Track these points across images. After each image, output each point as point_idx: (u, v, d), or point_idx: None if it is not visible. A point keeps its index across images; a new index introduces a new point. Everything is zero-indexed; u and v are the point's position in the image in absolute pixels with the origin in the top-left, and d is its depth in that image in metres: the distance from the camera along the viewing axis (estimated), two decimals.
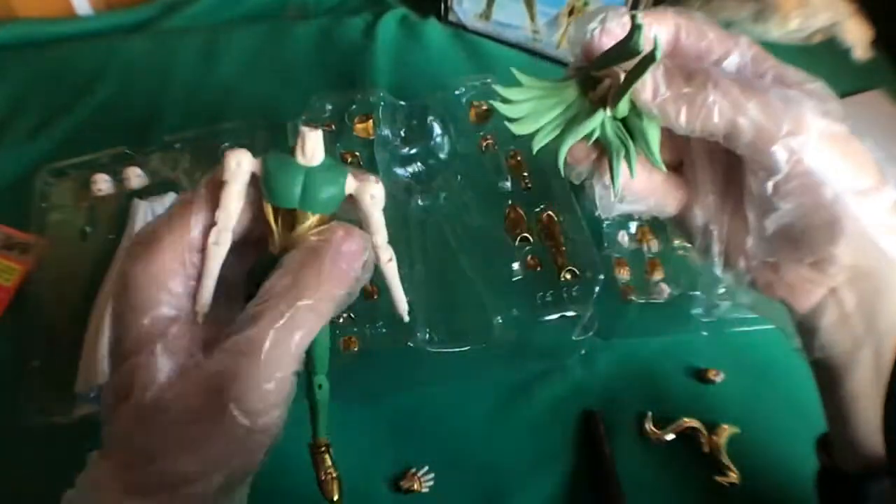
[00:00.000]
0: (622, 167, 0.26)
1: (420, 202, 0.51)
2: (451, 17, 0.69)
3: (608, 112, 0.25)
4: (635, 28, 0.23)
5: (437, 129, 0.56)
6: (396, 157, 0.54)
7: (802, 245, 0.26)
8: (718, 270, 0.29)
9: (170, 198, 0.51)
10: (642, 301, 0.49)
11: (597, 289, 0.46)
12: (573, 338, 0.47)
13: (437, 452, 0.44)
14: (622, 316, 0.49)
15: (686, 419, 0.45)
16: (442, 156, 0.55)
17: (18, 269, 0.49)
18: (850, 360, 0.28)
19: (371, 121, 0.55)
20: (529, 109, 0.25)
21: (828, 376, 0.29)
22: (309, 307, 0.23)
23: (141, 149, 0.54)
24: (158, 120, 0.60)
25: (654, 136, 0.26)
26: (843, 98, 0.66)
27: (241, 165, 0.24)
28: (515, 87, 0.25)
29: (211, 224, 0.24)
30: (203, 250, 0.24)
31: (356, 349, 0.41)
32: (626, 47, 0.23)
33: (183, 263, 0.24)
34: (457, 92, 0.57)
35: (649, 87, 0.25)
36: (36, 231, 0.50)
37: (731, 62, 0.28)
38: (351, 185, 0.24)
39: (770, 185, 0.25)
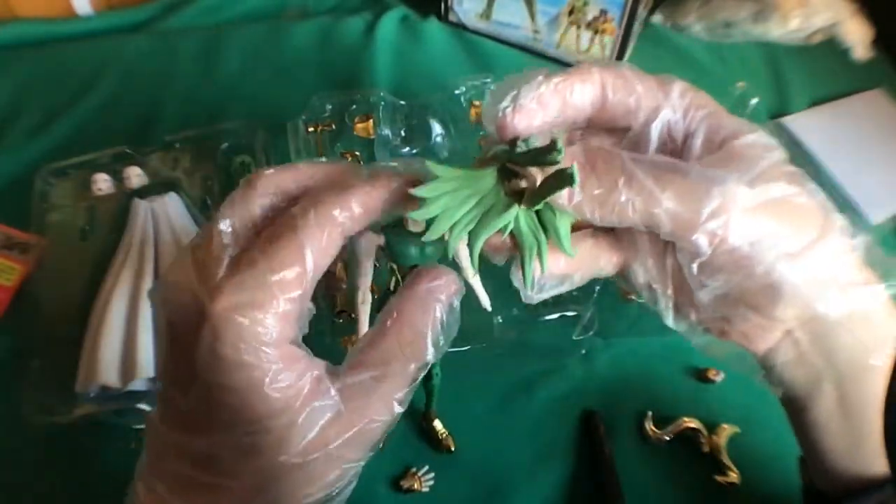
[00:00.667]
0: (535, 262, 0.25)
1: None
2: (451, 17, 0.69)
3: (522, 207, 0.25)
4: (554, 145, 0.22)
5: (438, 129, 0.56)
6: (397, 156, 0.54)
7: (743, 308, 0.26)
8: (669, 322, 0.28)
9: (170, 197, 0.51)
10: (642, 300, 0.49)
11: (597, 288, 0.46)
12: (573, 337, 0.47)
13: (437, 452, 0.44)
14: (622, 315, 0.49)
15: (686, 419, 0.45)
16: (442, 155, 0.55)
17: (18, 269, 0.49)
18: (812, 393, 0.28)
19: (371, 120, 0.55)
20: (444, 205, 0.24)
21: (792, 408, 0.29)
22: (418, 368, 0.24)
23: (141, 148, 0.54)
24: (158, 119, 0.60)
25: (565, 229, 0.25)
26: (844, 98, 0.66)
27: (372, 244, 0.26)
28: (431, 182, 0.24)
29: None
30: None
31: None
32: (544, 157, 0.23)
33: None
34: (457, 92, 0.57)
35: (564, 194, 0.24)
36: (36, 231, 0.50)
37: (663, 117, 0.26)
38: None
39: (695, 266, 0.25)
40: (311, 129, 0.55)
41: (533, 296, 0.27)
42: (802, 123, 0.63)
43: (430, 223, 0.25)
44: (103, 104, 0.61)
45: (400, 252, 0.26)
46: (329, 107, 0.57)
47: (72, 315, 0.46)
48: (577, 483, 0.44)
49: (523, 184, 0.25)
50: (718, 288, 0.25)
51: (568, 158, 0.24)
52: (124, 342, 0.43)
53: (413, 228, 0.25)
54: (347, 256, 0.26)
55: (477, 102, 0.57)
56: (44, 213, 0.51)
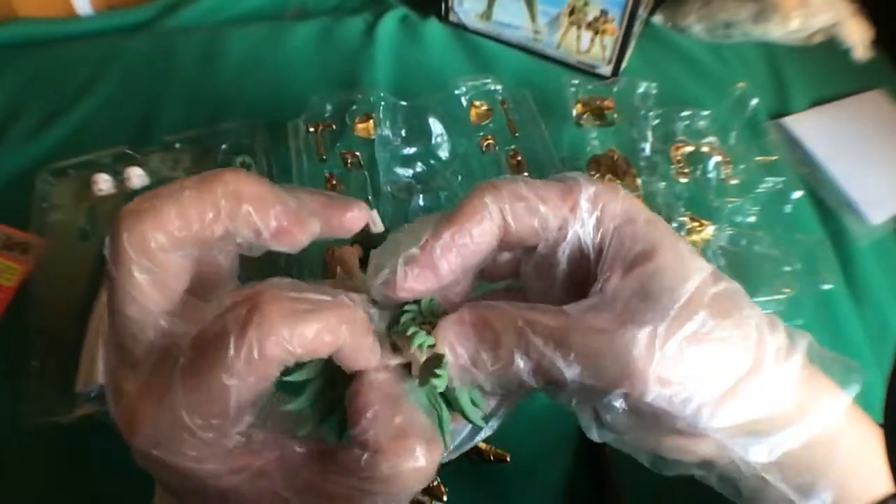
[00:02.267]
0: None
1: (420, 202, 0.51)
2: (451, 18, 0.69)
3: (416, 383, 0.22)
4: (438, 362, 0.21)
5: (438, 129, 0.56)
6: (397, 156, 0.54)
7: (667, 434, 0.24)
8: (594, 437, 0.25)
9: None
10: None
11: None
12: None
13: (429, 497, 0.44)
14: None
15: None
16: (442, 156, 0.55)
17: (19, 269, 0.49)
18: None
19: (371, 121, 0.55)
20: (317, 394, 0.22)
21: None
22: None
23: (141, 148, 0.54)
24: (159, 120, 0.60)
25: (467, 401, 0.23)
26: (844, 98, 0.66)
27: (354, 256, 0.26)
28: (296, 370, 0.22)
29: None
30: None
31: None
32: (427, 368, 0.22)
33: None
34: (457, 92, 0.58)
35: (455, 374, 0.22)
36: (36, 231, 0.50)
37: (571, 238, 0.24)
38: None
39: (608, 418, 0.23)
40: (311, 129, 0.55)
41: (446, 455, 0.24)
42: (803, 124, 0.63)
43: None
44: (104, 104, 0.61)
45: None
46: (329, 107, 0.57)
47: (72, 315, 0.46)
48: (577, 482, 0.44)
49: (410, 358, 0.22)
50: (636, 429, 0.23)
51: (459, 328, 0.22)
52: None
53: (374, 230, 0.25)
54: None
55: (477, 103, 0.57)
56: (44, 214, 0.51)
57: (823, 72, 0.69)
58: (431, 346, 0.22)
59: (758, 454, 0.23)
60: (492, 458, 0.43)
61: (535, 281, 0.26)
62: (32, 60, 0.64)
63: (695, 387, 0.22)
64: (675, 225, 0.52)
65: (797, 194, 0.55)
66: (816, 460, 0.24)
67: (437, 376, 0.21)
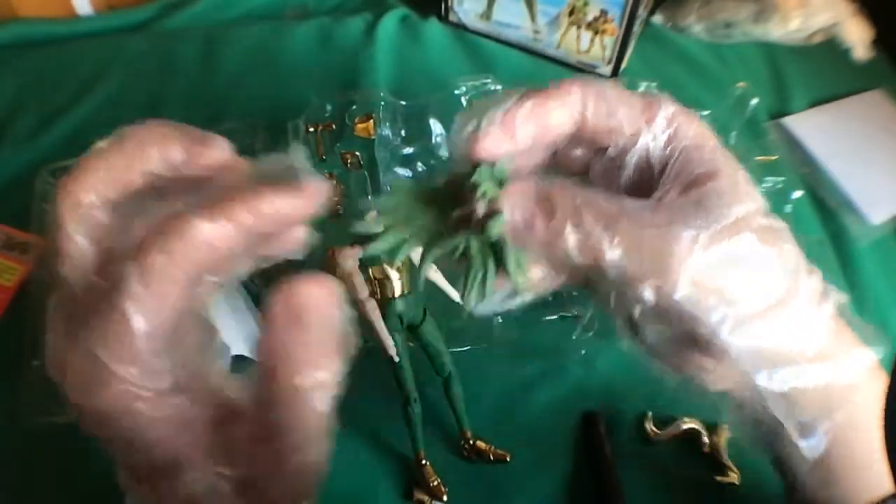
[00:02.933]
0: (477, 284, 0.25)
1: None
2: (451, 17, 0.69)
3: (474, 234, 0.24)
4: (493, 217, 0.23)
5: (438, 129, 0.56)
6: (397, 156, 0.54)
7: (693, 352, 0.25)
8: (625, 347, 0.27)
9: None
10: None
11: None
12: (573, 338, 0.47)
13: (436, 452, 0.44)
14: None
15: (686, 419, 0.45)
16: (442, 155, 0.55)
17: (19, 269, 0.49)
18: (778, 438, 0.27)
19: (371, 121, 0.55)
20: (396, 221, 0.25)
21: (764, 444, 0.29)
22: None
23: None
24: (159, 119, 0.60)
25: (516, 261, 0.24)
26: (844, 98, 0.66)
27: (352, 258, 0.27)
28: (389, 197, 0.25)
29: None
30: None
31: (355, 350, 0.41)
32: (485, 221, 0.23)
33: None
34: (457, 92, 0.57)
35: (510, 235, 0.23)
36: (36, 231, 0.50)
37: (641, 145, 0.25)
38: None
39: (636, 310, 0.24)
40: (311, 130, 0.55)
41: (472, 310, 0.26)
42: (803, 124, 0.63)
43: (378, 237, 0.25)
44: (104, 104, 0.61)
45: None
46: (329, 107, 0.57)
47: None
48: (577, 483, 0.44)
49: (473, 212, 0.24)
50: (663, 333, 0.25)
51: (521, 193, 0.24)
52: None
53: (374, 230, 0.26)
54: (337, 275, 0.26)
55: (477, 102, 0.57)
56: (44, 214, 0.51)
57: (823, 72, 0.69)
58: (494, 201, 0.23)
59: (769, 381, 0.24)
60: (492, 457, 0.43)
61: (600, 181, 0.27)
62: (32, 60, 0.64)
63: (724, 299, 0.22)
64: None
65: (797, 194, 0.55)
66: (828, 403, 0.25)
67: (493, 226, 0.23)
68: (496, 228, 0.23)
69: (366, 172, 0.53)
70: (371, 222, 0.25)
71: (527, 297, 0.26)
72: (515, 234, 0.23)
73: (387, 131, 0.55)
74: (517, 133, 0.24)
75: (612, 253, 0.22)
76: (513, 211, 0.23)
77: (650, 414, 0.46)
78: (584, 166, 0.28)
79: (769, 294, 0.23)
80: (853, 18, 0.69)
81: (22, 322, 0.47)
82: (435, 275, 0.27)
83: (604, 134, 0.25)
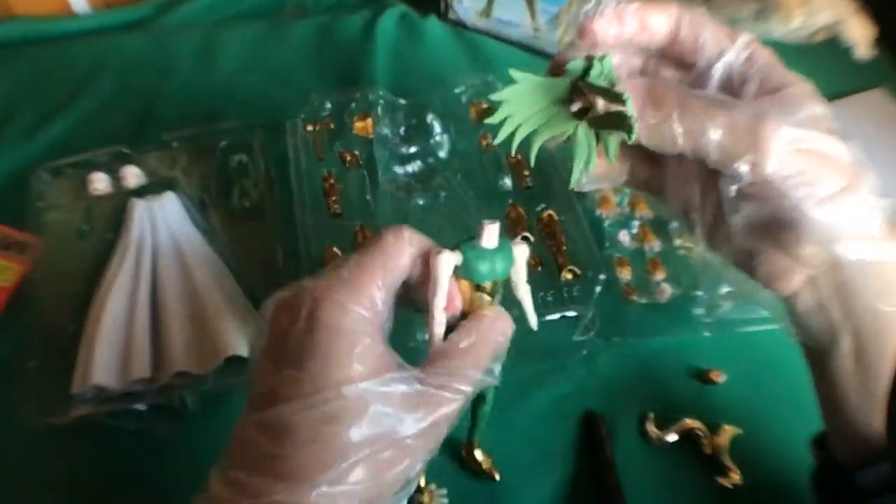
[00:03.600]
0: (582, 165, 0.29)
1: (420, 201, 0.51)
2: (451, 15, 0.68)
3: (583, 122, 0.28)
4: (621, 97, 0.26)
5: (437, 128, 0.55)
6: (396, 155, 0.54)
7: (770, 242, 0.28)
8: (702, 248, 0.31)
9: (168, 197, 0.51)
10: (644, 301, 0.49)
11: (598, 289, 0.45)
12: (574, 338, 0.47)
13: (479, 480, 0.44)
14: (623, 316, 0.49)
15: (688, 420, 0.45)
16: (442, 154, 0.55)
17: (15, 269, 0.49)
18: (830, 346, 0.29)
19: (370, 119, 0.55)
20: (513, 109, 0.28)
21: (813, 359, 0.31)
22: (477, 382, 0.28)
23: (139, 147, 0.54)
24: (156, 118, 0.60)
25: (615, 145, 0.28)
26: (845, 97, 0.66)
27: (451, 263, 0.28)
28: (507, 87, 0.28)
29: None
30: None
31: None
32: (609, 95, 0.27)
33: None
34: (457, 90, 0.57)
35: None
36: (33, 230, 0.50)
37: (726, 60, 0.29)
38: (516, 252, 0.30)
39: (733, 189, 0.27)
40: (309, 128, 0.55)
41: (575, 188, 0.31)
42: None
43: (498, 129, 0.28)
44: (101, 103, 0.61)
45: (474, 269, 0.29)
46: (328, 105, 0.56)
47: (69, 315, 0.46)
48: (577, 484, 0.44)
49: (590, 104, 0.28)
50: (749, 216, 0.28)
51: (632, 87, 0.27)
52: (121, 343, 0.43)
53: (486, 245, 0.29)
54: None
55: (477, 101, 0.57)
56: (41, 213, 0.51)
57: (825, 70, 0.68)
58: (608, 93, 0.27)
59: (846, 251, 0.27)
60: (484, 469, 0.43)
61: None
62: (29, 58, 0.64)
63: (806, 178, 0.26)
64: (675, 224, 0.52)
65: None
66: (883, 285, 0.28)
67: (620, 130, 0.27)
68: (628, 120, 0.26)
69: (364, 171, 0.53)
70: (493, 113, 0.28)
71: (609, 183, 0.32)
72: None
73: (386, 130, 0.55)
74: (625, 21, 0.28)
75: (714, 133, 0.26)
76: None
77: (651, 414, 0.46)
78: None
79: (839, 180, 0.27)
80: (855, 17, 0.69)
81: (19, 322, 0.46)
82: (525, 295, 0.31)
83: (691, 50, 0.29)
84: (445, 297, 0.28)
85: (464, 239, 0.29)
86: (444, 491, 0.42)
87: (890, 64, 0.70)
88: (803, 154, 0.26)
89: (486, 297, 0.30)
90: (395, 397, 0.25)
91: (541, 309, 0.45)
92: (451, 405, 0.26)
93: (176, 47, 0.65)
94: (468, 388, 0.27)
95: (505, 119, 0.28)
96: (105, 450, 0.44)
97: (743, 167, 0.26)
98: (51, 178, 0.53)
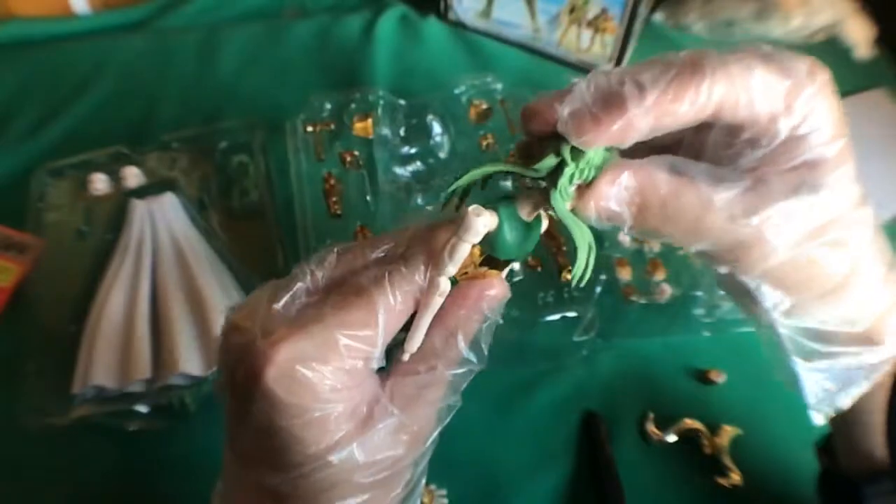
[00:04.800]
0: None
1: (419, 201, 0.51)
2: (450, 16, 0.68)
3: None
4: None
5: (437, 128, 0.55)
6: (396, 156, 0.54)
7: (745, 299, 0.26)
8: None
9: (168, 197, 0.51)
10: (644, 301, 0.49)
11: (598, 289, 0.45)
12: (574, 338, 0.47)
13: (437, 453, 0.44)
14: (623, 316, 0.49)
15: (688, 420, 0.45)
16: (442, 155, 0.55)
17: (15, 270, 0.49)
18: None
19: (370, 120, 0.55)
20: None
21: None
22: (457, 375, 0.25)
23: (138, 148, 0.54)
24: (156, 119, 0.60)
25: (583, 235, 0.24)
26: (845, 97, 0.66)
27: (486, 228, 0.23)
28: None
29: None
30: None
31: None
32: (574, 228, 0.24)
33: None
34: (457, 91, 0.57)
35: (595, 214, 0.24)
36: (33, 231, 0.50)
37: (773, 131, 0.24)
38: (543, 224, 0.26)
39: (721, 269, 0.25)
40: (309, 129, 0.55)
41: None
42: None
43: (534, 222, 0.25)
44: (100, 104, 0.61)
45: (503, 241, 0.24)
46: (328, 106, 0.56)
47: (69, 316, 0.46)
48: (577, 484, 0.44)
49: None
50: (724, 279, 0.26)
51: (613, 191, 0.23)
52: (121, 343, 0.43)
53: (524, 217, 0.24)
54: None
55: (477, 101, 0.57)
56: (41, 213, 0.51)
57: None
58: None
59: (800, 365, 0.27)
60: None
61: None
62: (29, 60, 0.64)
63: (785, 288, 0.25)
64: None
65: None
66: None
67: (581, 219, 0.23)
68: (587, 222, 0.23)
69: (364, 172, 0.52)
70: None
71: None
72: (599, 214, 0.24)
73: (386, 130, 0.55)
74: (634, 126, 0.21)
75: (696, 247, 0.24)
76: (604, 204, 0.23)
77: (651, 414, 0.45)
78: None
79: (826, 285, 0.25)
80: (854, 17, 0.69)
81: (19, 323, 0.46)
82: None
83: (737, 126, 0.23)
84: (455, 271, 0.24)
85: (496, 199, 0.24)
86: (444, 491, 0.42)
87: (890, 64, 0.70)
88: (793, 271, 0.24)
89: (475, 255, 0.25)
90: (382, 437, 0.23)
91: (541, 309, 0.46)
92: (426, 425, 0.25)
93: (176, 47, 0.65)
94: (441, 402, 0.25)
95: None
96: (105, 450, 0.44)
97: (721, 269, 0.25)
98: (51, 178, 0.53)
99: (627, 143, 0.22)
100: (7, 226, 0.51)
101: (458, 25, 0.69)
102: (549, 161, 0.23)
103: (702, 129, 0.24)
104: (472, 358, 0.25)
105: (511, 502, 0.43)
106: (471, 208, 0.23)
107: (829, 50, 0.70)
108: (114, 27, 0.68)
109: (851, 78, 0.68)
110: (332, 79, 0.63)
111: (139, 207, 0.50)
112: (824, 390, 0.28)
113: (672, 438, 0.45)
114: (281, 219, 0.51)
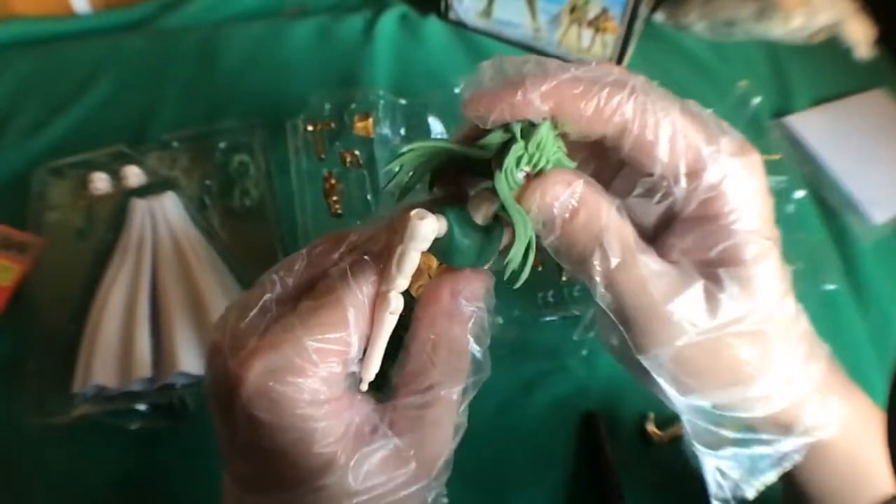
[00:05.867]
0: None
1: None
2: (451, 15, 0.68)
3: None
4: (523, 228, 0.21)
5: (437, 128, 0.55)
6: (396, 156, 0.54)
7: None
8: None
9: (168, 197, 0.51)
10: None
11: None
12: (574, 338, 0.47)
13: None
14: None
15: None
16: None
17: (16, 269, 0.49)
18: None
19: (371, 119, 0.55)
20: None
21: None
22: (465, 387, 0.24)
23: (139, 147, 0.54)
24: (156, 119, 0.60)
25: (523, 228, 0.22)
26: (846, 97, 0.66)
27: (434, 233, 0.21)
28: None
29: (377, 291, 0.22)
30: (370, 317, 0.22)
31: None
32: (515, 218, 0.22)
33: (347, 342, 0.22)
34: (457, 90, 0.57)
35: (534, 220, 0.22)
36: (33, 230, 0.50)
37: (681, 191, 0.23)
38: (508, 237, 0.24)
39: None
40: (310, 128, 0.55)
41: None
42: (804, 123, 0.63)
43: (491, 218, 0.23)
44: (101, 103, 0.61)
45: (455, 246, 0.22)
46: (328, 105, 0.56)
47: (69, 315, 0.46)
48: (577, 485, 0.44)
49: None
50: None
51: (556, 188, 0.22)
52: (122, 342, 0.43)
53: (479, 221, 0.22)
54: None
55: None
56: (41, 213, 0.51)
57: (825, 70, 0.68)
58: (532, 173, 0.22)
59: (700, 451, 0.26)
60: None
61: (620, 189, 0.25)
62: (30, 59, 0.64)
63: (686, 377, 0.23)
64: None
65: (799, 194, 0.54)
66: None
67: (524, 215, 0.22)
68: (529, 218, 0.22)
69: (365, 171, 0.53)
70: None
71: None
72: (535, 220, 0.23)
73: (386, 130, 0.55)
74: (530, 103, 0.21)
75: (602, 297, 0.22)
76: (549, 201, 0.22)
77: (651, 415, 0.45)
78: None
79: (736, 374, 0.23)
80: (855, 17, 0.69)
81: (19, 322, 0.46)
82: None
83: (638, 159, 0.23)
84: (406, 284, 0.22)
85: (447, 205, 0.22)
86: (445, 491, 0.42)
87: (890, 64, 0.70)
88: (699, 362, 0.23)
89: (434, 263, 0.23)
90: (378, 463, 0.22)
91: (541, 309, 0.46)
92: (436, 446, 0.23)
93: (176, 48, 0.65)
94: (454, 416, 0.23)
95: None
96: (105, 450, 0.44)
97: (614, 340, 0.25)
98: (51, 177, 0.53)
99: (527, 115, 0.21)
100: (7, 225, 0.51)
101: (459, 25, 0.69)
102: (497, 136, 0.22)
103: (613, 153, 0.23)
104: (470, 367, 0.24)
105: (511, 502, 0.43)
106: (413, 211, 0.21)
107: (829, 50, 0.70)
108: (114, 26, 0.68)
109: (852, 78, 0.68)
110: (333, 78, 0.63)
111: (139, 207, 0.50)
112: (725, 478, 0.26)
113: (672, 438, 0.45)
114: (281, 218, 0.51)
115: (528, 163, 0.22)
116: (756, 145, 0.62)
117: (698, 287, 0.22)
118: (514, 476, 0.44)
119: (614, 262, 0.22)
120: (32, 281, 0.48)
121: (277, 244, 0.49)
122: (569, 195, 0.22)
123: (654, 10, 0.71)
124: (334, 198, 0.51)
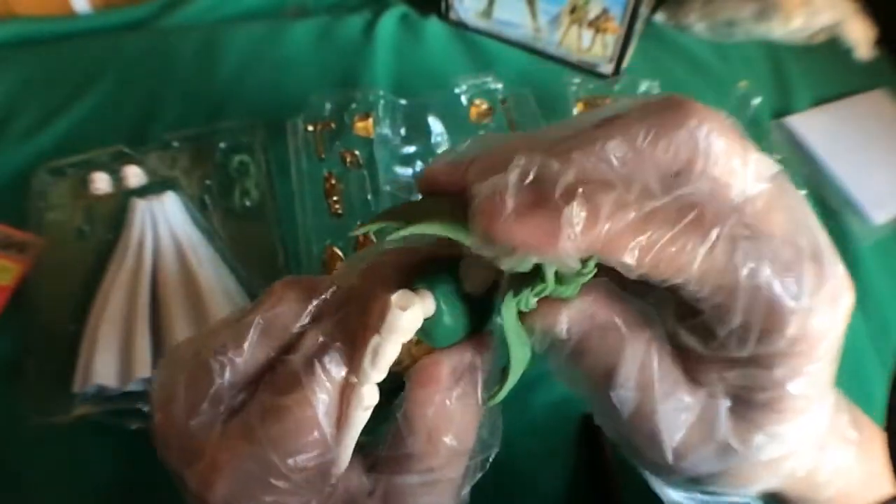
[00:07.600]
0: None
1: None
2: (451, 15, 0.68)
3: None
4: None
5: (438, 128, 0.55)
6: (396, 155, 0.54)
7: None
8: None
9: (168, 197, 0.51)
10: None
11: None
12: None
13: None
14: None
15: None
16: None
17: (16, 269, 0.49)
18: None
19: (371, 119, 0.55)
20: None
21: None
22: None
23: (139, 147, 0.54)
24: (157, 118, 0.60)
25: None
26: (846, 98, 0.66)
27: (418, 323, 0.18)
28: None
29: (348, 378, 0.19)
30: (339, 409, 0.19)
31: None
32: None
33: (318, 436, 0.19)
34: (457, 90, 0.57)
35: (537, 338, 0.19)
36: (34, 230, 0.50)
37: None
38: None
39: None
40: (310, 128, 0.55)
41: None
42: (805, 123, 0.63)
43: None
44: (101, 103, 0.61)
45: (444, 329, 0.19)
46: (328, 105, 0.56)
47: (69, 315, 0.46)
48: (577, 484, 0.44)
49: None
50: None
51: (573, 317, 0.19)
52: (122, 342, 0.43)
53: (469, 289, 0.19)
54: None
55: (478, 101, 0.57)
56: (41, 213, 0.51)
57: (826, 71, 0.69)
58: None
59: None
60: None
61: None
62: (30, 59, 0.64)
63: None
64: None
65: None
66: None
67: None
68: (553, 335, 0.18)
69: (365, 172, 0.53)
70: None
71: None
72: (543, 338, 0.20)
73: (386, 130, 0.55)
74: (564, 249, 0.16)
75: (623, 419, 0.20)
76: (570, 328, 0.19)
77: None
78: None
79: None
80: (855, 18, 0.69)
81: (19, 322, 0.46)
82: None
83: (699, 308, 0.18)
84: (385, 370, 0.18)
85: (431, 275, 0.19)
86: None
87: (890, 64, 0.70)
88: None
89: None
90: None
91: None
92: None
93: (177, 48, 0.65)
94: (456, 475, 0.21)
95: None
96: (105, 450, 0.43)
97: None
98: (51, 178, 0.53)
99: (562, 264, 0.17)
100: (8, 225, 0.51)
101: (459, 25, 0.69)
102: (520, 265, 0.17)
103: None
104: (476, 446, 0.21)
105: (511, 502, 0.43)
106: (394, 297, 0.17)
107: (830, 50, 0.70)
108: (115, 26, 0.68)
109: (852, 78, 0.68)
110: (333, 78, 0.63)
111: (140, 207, 0.50)
112: None
113: None
114: (281, 218, 0.51)
115: (551, 294, 0.18)
116: (756, 146, 0.62)
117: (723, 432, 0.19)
118: (513, 475, 0.44)
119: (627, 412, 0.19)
120: (32, 281, 0.48)
121: (277, 244, 0.49)
122: (590, 322, 0.19)
123: (654, 10, 0.71)
124: (334, 198, 0.51)
